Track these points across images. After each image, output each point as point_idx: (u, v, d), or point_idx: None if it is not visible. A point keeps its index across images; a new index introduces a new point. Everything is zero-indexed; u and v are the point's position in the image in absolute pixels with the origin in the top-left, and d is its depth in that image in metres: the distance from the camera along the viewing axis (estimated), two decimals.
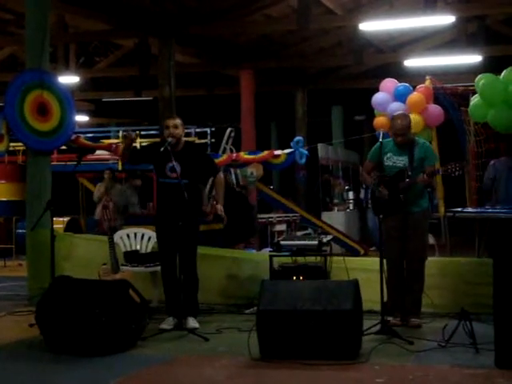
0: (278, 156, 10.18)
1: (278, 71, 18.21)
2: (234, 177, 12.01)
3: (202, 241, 7.51)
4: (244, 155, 10.40)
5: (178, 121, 6.74)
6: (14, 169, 13.66)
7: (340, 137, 20.25)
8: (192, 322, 6.60)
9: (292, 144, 10.16)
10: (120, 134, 15.68)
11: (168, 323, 6.58)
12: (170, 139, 6.61)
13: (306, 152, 10.33)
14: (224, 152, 11.66)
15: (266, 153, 10.26)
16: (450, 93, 9.61)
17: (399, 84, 9.51)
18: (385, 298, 6.22)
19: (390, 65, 17.11)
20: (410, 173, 6.43)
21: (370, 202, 6.71)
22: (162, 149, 6.57)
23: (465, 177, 9.49)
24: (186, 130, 7.04)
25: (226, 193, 8.86)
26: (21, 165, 13.39)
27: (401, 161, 6.52)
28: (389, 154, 6.56)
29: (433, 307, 6.86)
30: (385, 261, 6.42)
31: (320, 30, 15.60)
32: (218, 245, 8.56)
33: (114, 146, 10.21)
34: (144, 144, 15.20)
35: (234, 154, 10.63)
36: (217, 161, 10.42)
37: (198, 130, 15.84)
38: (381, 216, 6.35)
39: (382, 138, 6.52)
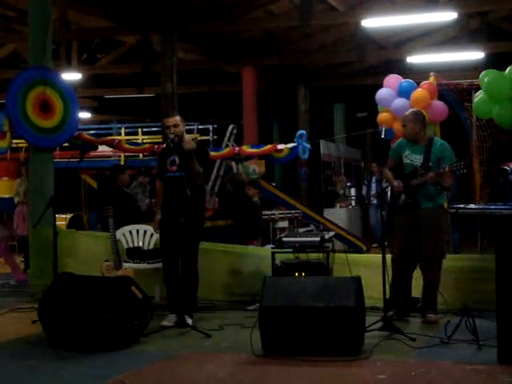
0: (280, 150, 10.14)
1: (280, 68, 18.17)
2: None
3: (209, 237, 7.45)
4: (246, 148, 10.35)
5: (177, 118, 6.73)
6: (16, 166, 13.65)
7: (342, 134, 20.21)
8: (187, 321, 6.57)
9: (295, 138, 10.12)
10: (122, 131, 15.67)
11: (169, 320, 6.57)
12: (171, 136, 6.63)
13: (309, 146, 10.29)
14: None
15: (268, 146, 10.22)
16: (454, 89, 9.59)
17: (403, 80, 9.49)
18: (387, 295, 6.22)
19: (393, 61, 17.08)
20: (422, 171, 6.46)
21: (390, 200, 6.70)
22: (164, 145, 6.65)
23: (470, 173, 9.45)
24: (188, 127, 7.03)
25: (236, 194, 8.80)
26: (23, 162, 13.38)
27: (417, 159, 6.56)
28: (407, 152, 6.62)
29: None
30: (389, 257, 6.44)
31: (322, 27, 15.58)
32: (226, 241, 8.50)
33: (117, 141, 10.20)
34: (146, 140, 15.20)
35: (237, 148, 10.58)
36: (219, 154, 10.43)
37: (200, 126, 15.83)
38: (383, 212, 6.35)
39: (384, 134, 6.55)
